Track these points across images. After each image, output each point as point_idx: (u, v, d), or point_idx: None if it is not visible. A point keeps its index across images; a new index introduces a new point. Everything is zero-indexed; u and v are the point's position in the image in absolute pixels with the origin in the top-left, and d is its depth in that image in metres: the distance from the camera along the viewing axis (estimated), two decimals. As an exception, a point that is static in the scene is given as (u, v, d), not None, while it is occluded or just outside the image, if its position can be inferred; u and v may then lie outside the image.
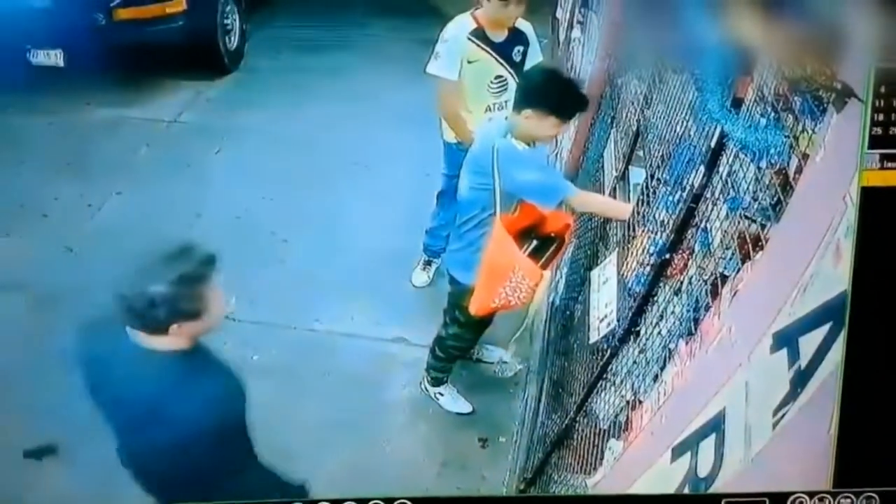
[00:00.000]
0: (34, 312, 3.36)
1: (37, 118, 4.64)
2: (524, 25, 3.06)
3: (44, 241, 3.71)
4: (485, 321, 2.82)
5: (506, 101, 3.06)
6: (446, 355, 2.95)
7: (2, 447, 2.77)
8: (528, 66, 3.09)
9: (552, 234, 2.57)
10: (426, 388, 3.03)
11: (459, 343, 2.94)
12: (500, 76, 3.04)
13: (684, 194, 1.94)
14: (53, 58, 4.67)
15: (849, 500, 1.39)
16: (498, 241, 2.50)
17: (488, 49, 3.01)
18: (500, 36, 3.01)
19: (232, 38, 5.30)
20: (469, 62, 3.01)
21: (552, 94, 2.48)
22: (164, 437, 1.72)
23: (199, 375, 1.74)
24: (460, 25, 3.01)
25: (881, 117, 1.31)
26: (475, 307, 2.62)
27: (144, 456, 1.83)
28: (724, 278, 1.67)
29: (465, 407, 3.01)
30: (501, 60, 3.02)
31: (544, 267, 2.55)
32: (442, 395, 3.01)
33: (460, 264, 2.70)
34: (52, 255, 3.62)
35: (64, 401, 2.87)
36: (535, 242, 2.54)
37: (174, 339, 1.69)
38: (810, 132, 1.42)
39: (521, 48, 3.05)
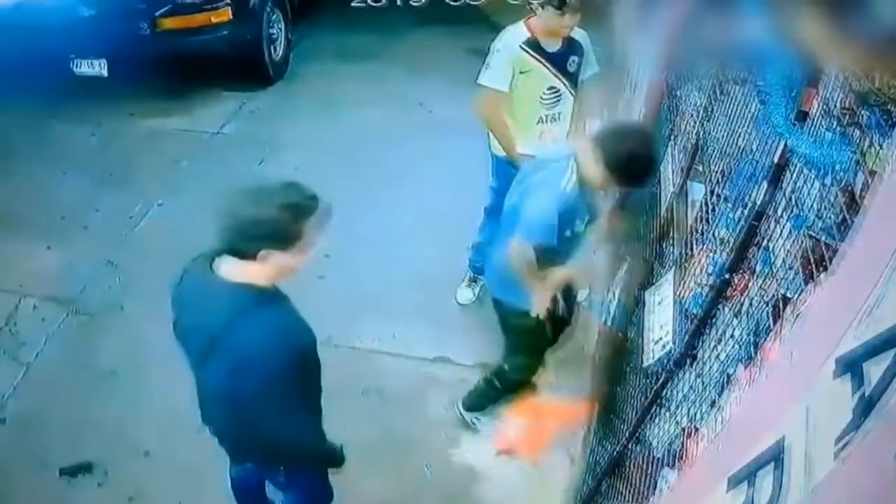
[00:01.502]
0: (74, 325, 3.50)
1: (80, 129, 4.84)
2: (580, 35, 3.05)
3: (84, 253, 3.85)
4: (546, 343, 2.87)
5: (559, 113, 3.08)
6: (504, 386, 2.95)
7: (40, 463, 2.89)
8: (583, 76, 3.10)
9: None
10: (461, 413, 3.04)
11: (523, 375, 2.93)
12: (554, 87, 3.04)
13: (746, 211, 1.94)
14: (97, 67, 4.87)
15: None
16: None
17: (542, 59, 3.01)
18: (554, 46, 3.01)
19: (277, 48, 5.41)
20: (522, 73, 3.01)
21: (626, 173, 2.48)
22: (231, 365, 1.87)
23: (274, 313, 1.88)
24: (513, 35, 3.02)
25: (953, 132, 1.31)
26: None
27: (220, 383, 1.95)
28: (787, 300, 1.67)
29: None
30: (555, 71, 3.03)
31: None
32: (478, 420, 3.03)
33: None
34: (93, 267, 3.76)
35: (102, 416, 3.01)
36: None
37: (258, 271, 1.84)
38: (878, 148, 1.42)
39: (576, 58, 3.05)
